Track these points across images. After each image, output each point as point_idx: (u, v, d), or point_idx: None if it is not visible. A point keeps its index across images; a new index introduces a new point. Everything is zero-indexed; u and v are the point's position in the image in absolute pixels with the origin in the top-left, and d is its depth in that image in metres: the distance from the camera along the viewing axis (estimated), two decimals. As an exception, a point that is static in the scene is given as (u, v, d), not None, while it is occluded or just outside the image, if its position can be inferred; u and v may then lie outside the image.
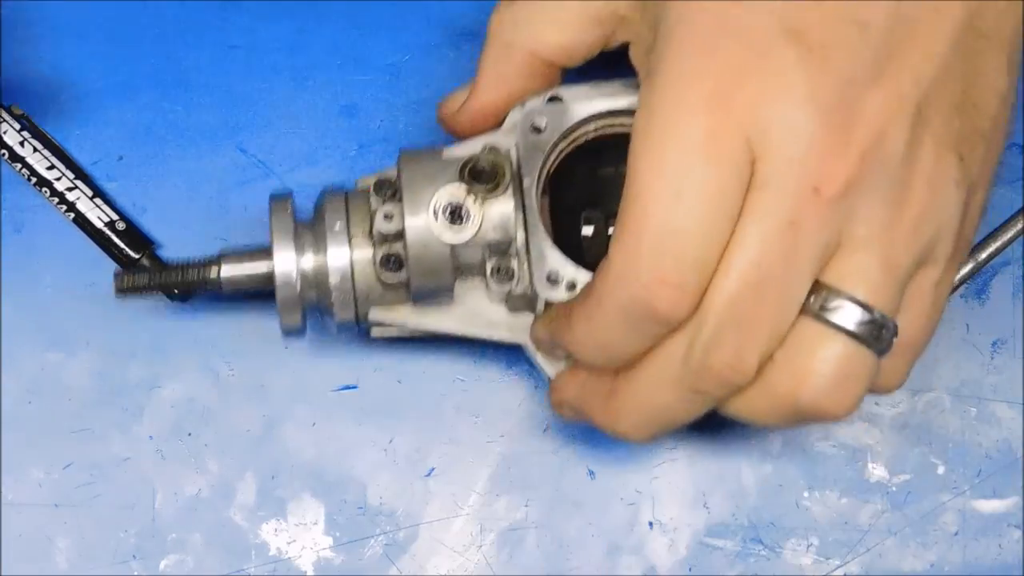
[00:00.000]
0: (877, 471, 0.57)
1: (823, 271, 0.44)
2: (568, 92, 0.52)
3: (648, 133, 0.43)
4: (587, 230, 0.52)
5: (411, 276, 0.50)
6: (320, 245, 0.51)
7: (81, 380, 0.59)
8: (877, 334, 0.44)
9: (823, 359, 0.44)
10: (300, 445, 0.58)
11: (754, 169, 0.43)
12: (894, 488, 0.57)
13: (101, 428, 0.58)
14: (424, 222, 0.49)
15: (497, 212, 0.49)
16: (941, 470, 0.57)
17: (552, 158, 0.51)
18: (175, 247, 0.60)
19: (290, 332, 0.53)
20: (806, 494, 0.57)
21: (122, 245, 0.59)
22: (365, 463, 0.58)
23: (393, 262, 0.50)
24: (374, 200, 0.51)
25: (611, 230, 0.48)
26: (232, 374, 0.59)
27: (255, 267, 0.52)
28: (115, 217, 0.59)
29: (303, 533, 0.58)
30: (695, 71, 0.43)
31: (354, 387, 0.59)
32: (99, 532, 0.58)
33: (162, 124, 0.61)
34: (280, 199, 0.53)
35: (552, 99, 0.52)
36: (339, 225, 0.50)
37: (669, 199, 0.42)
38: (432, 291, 0.51)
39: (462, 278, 0.52)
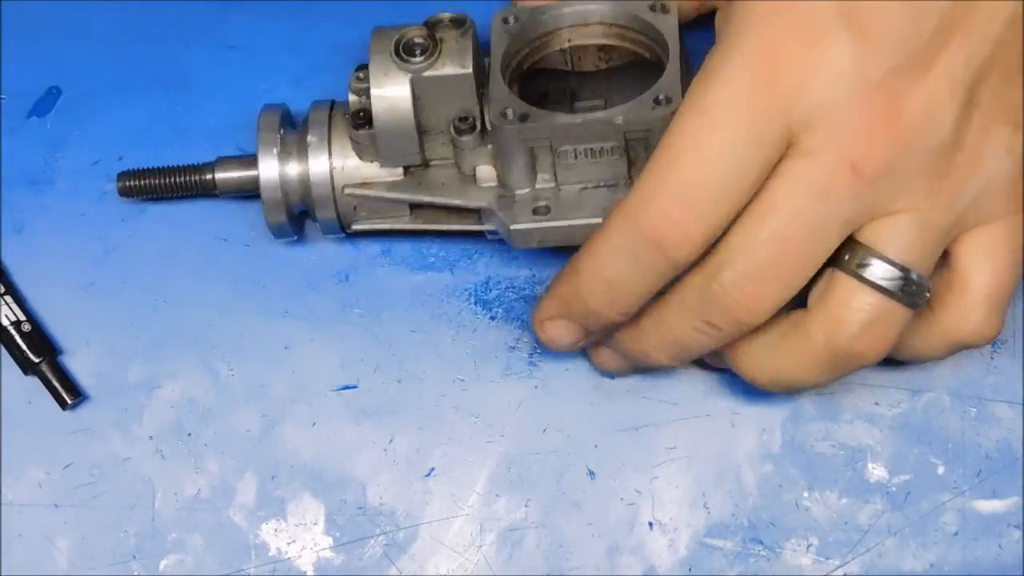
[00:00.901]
0: (877, 471, 0.57)
1: (860, 230, 0.47)
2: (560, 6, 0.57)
3: (700, 90, 0.47)
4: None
5: (376, 123, 0.54)
6: (303, 154, 0.56)
7: (81, 380, 0.59)
8: (908, 289, 0.47)
9: (856, 308, 0.48)
10: (300, 445, 0.58)
11: (797, 141, 0.46)
12: (894, 488, 0.57)
13: (101, 428, 0.58)
14: (386, 58, 0.53)
15: (455, 48, 0.53)
16: (941, 470, 0.57)
17: (522, 52, 0.55)
18: (168, 257, 0.60)
19: (278, 232, 0.58)
20: (806, 494, 0.57)
21: (24, 347, 0.58)
22: (365, 463, 0.58)
23: (362, 116, 0.55)
24: (354, 79, 0.55)
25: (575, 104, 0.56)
26: (232, 374, 0.59)
27: (244, 172, 0.58)
28: (23, 318, 0.58)
29: (303, 533, 0.58)
30: (753, 45, 0.46)
31: (354, 387, 0.59)
32: (99, 532, 0.58)
33: (162, 124, 0.61)
34: (270, 110, 0.57)
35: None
36: (319, 135, 0.56)
37: (700, 153, 0.46)
38: (397, 143, 0.54)
39: (435, 164, 0.56)
